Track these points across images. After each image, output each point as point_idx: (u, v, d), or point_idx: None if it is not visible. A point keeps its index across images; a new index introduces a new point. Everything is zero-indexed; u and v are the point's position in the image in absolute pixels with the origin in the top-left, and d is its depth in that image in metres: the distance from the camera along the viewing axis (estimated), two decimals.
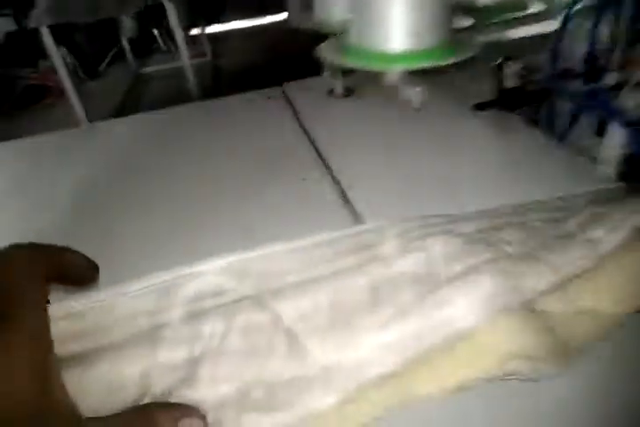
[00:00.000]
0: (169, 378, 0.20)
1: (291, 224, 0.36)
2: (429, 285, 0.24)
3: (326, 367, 0.22)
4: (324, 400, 0.21)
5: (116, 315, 0.21)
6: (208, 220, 0.40)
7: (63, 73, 1.67)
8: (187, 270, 0.23)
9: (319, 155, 0.47)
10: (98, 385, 0.20)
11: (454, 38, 0.36)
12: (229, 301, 0.23)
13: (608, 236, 0.26)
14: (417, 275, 0.25)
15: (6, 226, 0.44)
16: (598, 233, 0.27)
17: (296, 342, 0.22)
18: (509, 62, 0.50)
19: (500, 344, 0.23)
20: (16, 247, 0.20)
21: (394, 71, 0.36)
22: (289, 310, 0.23)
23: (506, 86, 0.50)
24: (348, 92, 0.58)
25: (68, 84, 1.69)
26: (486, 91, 0.52)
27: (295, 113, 0.56)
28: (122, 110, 2.11)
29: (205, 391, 0.21)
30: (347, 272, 0.25)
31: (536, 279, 0.25)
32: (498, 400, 0.25)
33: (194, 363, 0.21)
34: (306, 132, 0.52)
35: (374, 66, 0.34)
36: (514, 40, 0.64)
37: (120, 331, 0.21)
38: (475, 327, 0.23)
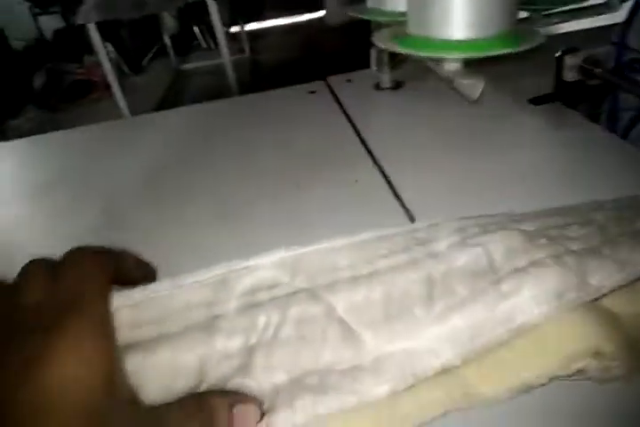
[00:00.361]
0: (225, 366, 0.20)
1: (343, 221, 0.35)
2: (489, 278, 0.23)
3: (379, 358, 0.22)
4: (375, 390, 0.21)
5: (174, 306, 0.21)
6: (259, 215, 0.39)
7: (108, 68, 1.71)
8: (242, 264, 0.23)
9: (368, 150, 0.46)
10: (157, 373, 0.20)
11: (517, 28, 0.35)
12: (283, 294, 0.23)
13: None
14: (475, 269, 0.24)
15: (54, 216, 0.45)
16: None
17: (349, 333, 0.22)
18: (570, 55, 0.47)
19: (566, 342, 0.22)
20: (80, 249, 0.21)
21: (453, 60, 0.34)
22: (342, 302, 0.23)
23: (565, 80, 0.48)
24: (397, 86, 0.56)
25: (112, 78, 1.73)
26: (545, 84, 0.49)
27: (341, 106, 0.55)
28: (163, 105, 2.15)
29: (260, 379, 0.20)
30: (401, 267, 0.24)
31: (602, 276, 0.23)
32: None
33: (249, 352, 0.21)
34: (353, 125, 0.50)
35: (433, 53, 0.32)
36: (574, 32, 0.61)
37: (178, 321, 0.21)
38: (538, 322, 0.22)
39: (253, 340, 0.21)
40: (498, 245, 0.24)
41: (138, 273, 0.23)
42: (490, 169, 0.41)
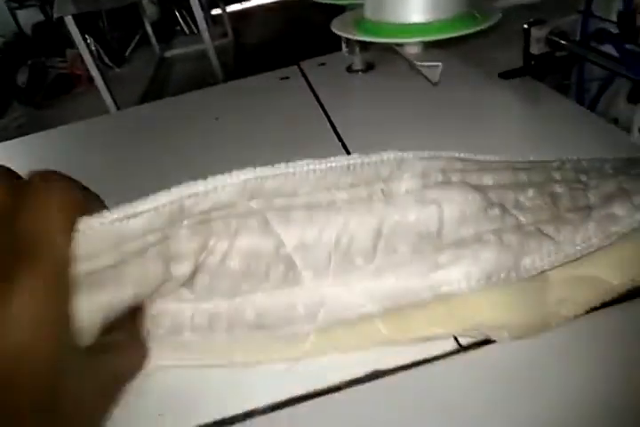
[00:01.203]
0: (169, 286, 0.22)
1: None
2: (433, 244, 0.24)
3: (312, 298, 0.24)
4: (304, 328, 0.24)
5: (129, 233, 0.21)
6: None
7: (90, 62, 1.69)
8: (200, 187, 0.22)
9: (337, 134, 0.46)
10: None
11: (474, 8, 0.35)
12: (235, 214, 0.23)
13: (631, 215, 0.25)
14: (423, 230, 0.25)
15: None
16: (620, 210, 0.25)
17: (292, 272, 0.24)
18: (536, 27, 0.47)
19: (477, 315, 0.24)
20: (53, 173, 0.19)
21: (411, 44, 0.35)
22: (294, 239, 0.24)
23: (533, 53, 0.48)
24: (368, 68, 0.56)
25: (95, 72, 1.71)
26: (513, 58, 0.49)
27: (313, 91, 0.55)
28: (148, 94, 2.13)
29: (202, 296, 0.23)
30: (358, 208, 0.24)
31: (539, 258, 0.24)
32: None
33: (193, 272, 0.23)
34: (324, 109, 0.51)
35: (391, 39, 0.33)
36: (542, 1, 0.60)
37: (132, 248, 0.21)
38: (462, 294, 0.24)
39: (201, 259, 0.22)
40: (452, 208, 0.25)
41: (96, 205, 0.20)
42: (460, 143, 0.42)
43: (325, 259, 0.24)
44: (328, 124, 0.48)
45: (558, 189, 0.28)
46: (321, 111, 0.51)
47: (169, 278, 0.22)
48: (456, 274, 0.23)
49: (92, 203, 0.20)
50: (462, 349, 0.25)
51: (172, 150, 0.50)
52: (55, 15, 1.62)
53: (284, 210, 0.24)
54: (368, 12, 0.34)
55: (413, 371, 0.24)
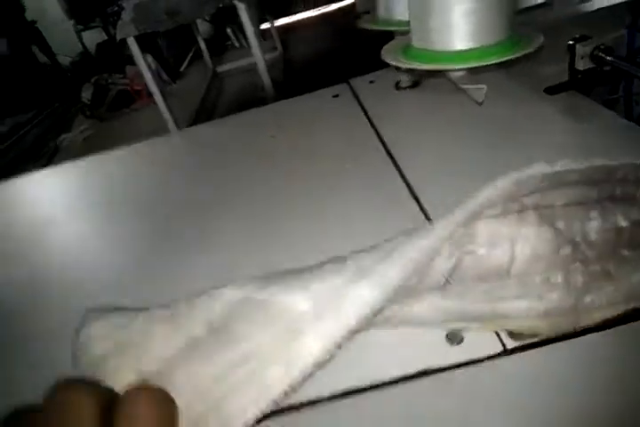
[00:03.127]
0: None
1: (363, 225, 0.38)
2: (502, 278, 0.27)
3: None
4: None
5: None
6: (286, 225, 0.43)
7: (149, 78, 1.80)
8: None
9: (387, 152, 0.49)
10: None
11: (516, 33, 0.37)
12: None
13: None
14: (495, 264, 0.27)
15: (105, 234, 0.51)
16: None
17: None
18: (581, 43, 0.48)
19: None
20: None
21: (455, 71, 0.37)
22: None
23: (578, 68, 0.49)
24: (415, 84, 0.59)
25: (154, 87, 1.81)
26: (559, 73, 0.50)
27: (362, 108, 0.58)
28: (202, 107, 2.23)
29: None
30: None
31: (598, 297, 0.26)
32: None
33: None
34: (373, 126, 0.54)
35: (436, 66, 0.35)
36: (590, 14, 0.61)
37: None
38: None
39: None
40: (525, 246, 0.27)
41: None
42: (508, 163, 0.43)
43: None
44: (377, 140, 0.51)
45: (622, 222, 0.29)
46: (370, 127, 0.53)
47: None
48: (515, 310, 0.26)
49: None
50: (508, 352, 0.27)
51: (233, 168, 0.55)
52: (118, 37, 1.73)
53: None
54: (414, 40, 0.37)
55: (462, 370, 0.26)
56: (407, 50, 0.38)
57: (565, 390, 0.25)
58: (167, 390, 0.22)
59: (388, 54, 0.39)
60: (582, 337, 0.26)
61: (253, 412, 0.22)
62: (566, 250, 0.27)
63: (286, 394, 0.22)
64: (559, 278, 0.26)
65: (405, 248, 0.26)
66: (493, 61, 0.34)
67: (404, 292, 0.27)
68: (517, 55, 0.34)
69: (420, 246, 0.25)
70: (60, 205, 0.59)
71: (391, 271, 0.24)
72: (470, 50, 0.34)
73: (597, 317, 0.26)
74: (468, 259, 0.27)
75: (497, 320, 0.27)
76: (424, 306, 0.27)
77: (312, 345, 0.22)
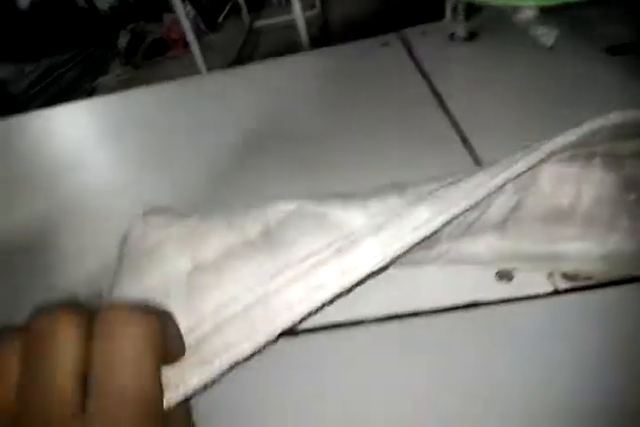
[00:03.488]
0: None
1: (415, 170, 0.38)
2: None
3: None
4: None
5: None
6: (343, 162, 0.43)
7: (187, 26, 1.77)
8: None
9: (441, 102, 0.48)
10: None
11: None
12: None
13: None
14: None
15: (133, 166, 0.51)
16: None
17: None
18: None
19: None
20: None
21: (528, 7, 0.36)
22: None
23: None
24: (471, 36, 0.57)
25: (191, 36, 1.79)
26: (625, 33, 0.48)
27: (414, 59, 0.56)
28: (237, 62, 2.20)
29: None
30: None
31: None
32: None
33: None
34: (426, 78, 0.52)
35: (509, 2, 0.34)
36: None
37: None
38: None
39: None
40: (589, 187, 0.27)
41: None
42: (562, 119, 0.42)
43: (461, 232, 0.27)
44: (430, 91, 0.50)
45: None
46: (422, 78, 0.52)
47: None
48: (575, 251, 0.26)
49: (168, 323, 0.21)
50: (559, 292, 0.27)
51: (269, 115, 0.54)
52: None
53: None
54: None
55: (510, 306, 0.27)
56: None
57: (614, 335, 0.25)
58: (166, 305, 0.22)
59: None
60: (638, 283, 0.26)
61: (301, 309, 0.21)
62: (632, 196, 0.27)
63: (338, 296, 0.22)
64: (624, 222, 0.26)
65: (469, 181, 0.25)
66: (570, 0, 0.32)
67: (461, 228, 0.27)
68: None
69: (485, 182, 0.25)
70: (115, 130, 0.60)
71: (453, 199, 0.24)
72: None
73: None
74: (531, 198, 0.27)
75: (554, 261, 0.27)
76: (480, 245, 0.27)
77: (369, 250, 0.22)
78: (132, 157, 0.53)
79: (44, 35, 2.17)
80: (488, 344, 0.26)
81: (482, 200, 0.25)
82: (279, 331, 0.21)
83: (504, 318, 0.27)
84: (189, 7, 2.26)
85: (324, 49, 0.67)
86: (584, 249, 0.26)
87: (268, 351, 0.21)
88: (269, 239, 0.25)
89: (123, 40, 2.35)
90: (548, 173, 0.27)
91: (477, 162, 0.39)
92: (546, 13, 0.38)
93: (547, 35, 0.36)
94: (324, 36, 2.47)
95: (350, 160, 0.43)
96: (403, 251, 0.23)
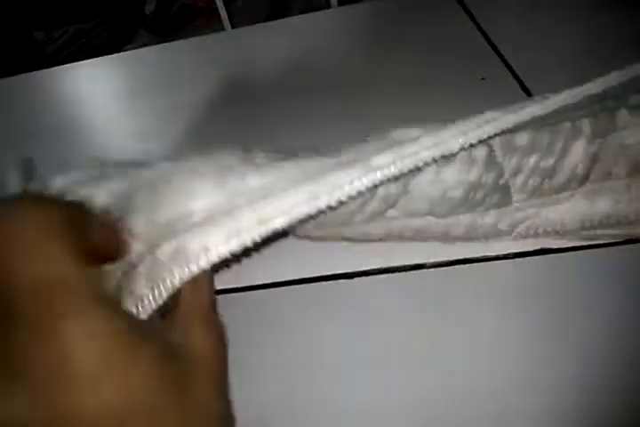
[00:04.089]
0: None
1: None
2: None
3: (517, 217, 0.25)
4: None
5: None
6: (388, 109, 0.41)
7: None
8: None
9: (491, 44, 0.44)
10: None
11: None
12: None
13: None
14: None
15: (151, 124, 0.49)
16: None
17: (506, 196, 0.25)
18: None
19: None
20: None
21: None
22: (512, 166, 0.25)
23: None
24: None
25: (220, 3, 1.74)
26: None
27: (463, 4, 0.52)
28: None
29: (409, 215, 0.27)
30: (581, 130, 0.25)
31: None
32: None
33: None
34: (473, 19, 0.49)
35: None
36: None
37: None
38: None
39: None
40: None
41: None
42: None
43: (538, 184, 0.25)
44: (480, 34, 0.46)
45: None
46: (473, 25, 0.49)
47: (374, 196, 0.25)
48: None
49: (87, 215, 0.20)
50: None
51: (312, 69, 0.51)
52: None
53: (510, 135, 0.25)
54: None
55: (581, 253, 0.24)
56: None
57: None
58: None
59: None
60: None
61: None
62: None
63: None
64: None
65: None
66: None
67: (535, 183, 0.25)
68: None
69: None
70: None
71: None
72: None
73: None
74: (611, 149, 0.24)
75: None
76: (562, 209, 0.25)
77: (383, 160, 0.21)
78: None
79: (69, 1, 2.15)
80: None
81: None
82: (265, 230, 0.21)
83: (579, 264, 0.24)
84: None
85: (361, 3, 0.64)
86: None
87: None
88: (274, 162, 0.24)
89: (150, 5, 2.31)
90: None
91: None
92: None
93: None
94: None
95: (396, 111, 0.40)
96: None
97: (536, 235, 0.25)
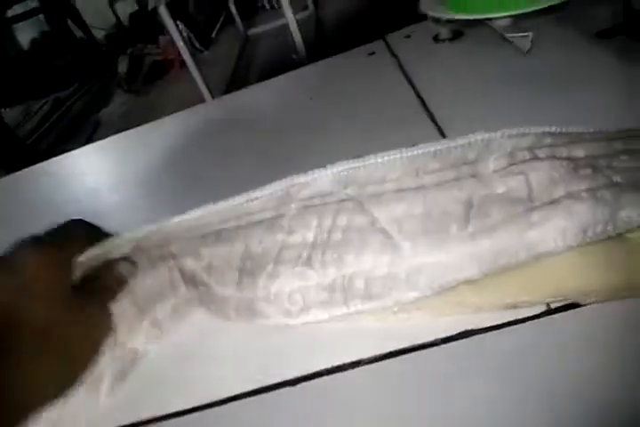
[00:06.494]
0: (287, 255, 0.27)
1: None
2: (524, 206, 0.25)
3: (412, 266, 0.26)
4: (407, 295, 0.26)
5: (250, 208, 0.28)
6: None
7: (182, 46, 1.79)
8: (302, 179, 0.28)
9: (426, 108, 0.47)
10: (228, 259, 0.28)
11: None
12: (334, 200, 0.27)
13: None
14: (514, 196, 0.26)
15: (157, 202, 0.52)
16: None
17: (390, 241, 0.26)
18: None
19: (568, 280, 0.25)
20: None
21: (499, 19, 0.35)
22: (385, 214, 0.27)
23: (635, 8, 0.45)
24: (456, 36, 0.56)
25: (187, 56, 1.81)
26: (614, 14, 0.47)
27: (400, 65, 0.56)
28: (236, 73, 2.21)
29: (318, 271, 0.27)
30: (446, 185, 0.27)
31: (633, 209, 0.24)
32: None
33: (308, 247, 0.27)
34: (411, 83, 0.52)
35: (481, 15, 0.33)
36: None
37: (246, 218, 0.28)
38: (559, 253, 0.24)
39: (310, 238, 0.27)
40: (540, 175, 0.26)
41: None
42: (553, 112, 0.41)
43: (420, 229, 0.26)
44: (417, 98, 0.49)
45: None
46: (409, 85, 0.51)
47: (285, 247, 0.26)
48: (551, 232, 0.24)
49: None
50: (551, 311, 0.26)
51: (273, 134, 0.54)
52: (150, 6, 1.72)
53: (375, 195, 0.27)
54: None
55: (503, 331, 0.26)
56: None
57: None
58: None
59: (427, 4, 0.36)
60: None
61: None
62: (587, 171, 0.26)
63: None
64: (584, 194, 0.24)
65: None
66: (540, 6, 0.31)
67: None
68: None
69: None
70: (106, 178, 0.61)
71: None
72: None
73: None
74: (488, 202, 0.26)
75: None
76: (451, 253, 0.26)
77: None
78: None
79: (48, 71, 2.22)
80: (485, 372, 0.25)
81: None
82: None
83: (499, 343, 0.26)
84: (182, 26, 2.28)
85: (311, 66, 0.67)
86: (559, 226, 0.24)
87: None
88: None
89: (122, 65, 2.38)
90: (495, 173, 0.26)
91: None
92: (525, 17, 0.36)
93: (521, 41, 0.35)
94: (321, 37, 2.46)
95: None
96: None
97: (440, 286, 0.26)
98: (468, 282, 0.26)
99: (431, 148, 0.27)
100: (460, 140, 0.27)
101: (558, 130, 0.27)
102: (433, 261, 0.25)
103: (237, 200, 0.28)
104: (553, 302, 0.26)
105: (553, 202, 0.25)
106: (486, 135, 0.27)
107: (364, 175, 0.27)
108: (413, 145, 0.41)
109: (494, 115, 0.44)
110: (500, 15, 0.33)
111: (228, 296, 0.28)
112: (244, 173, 0.49)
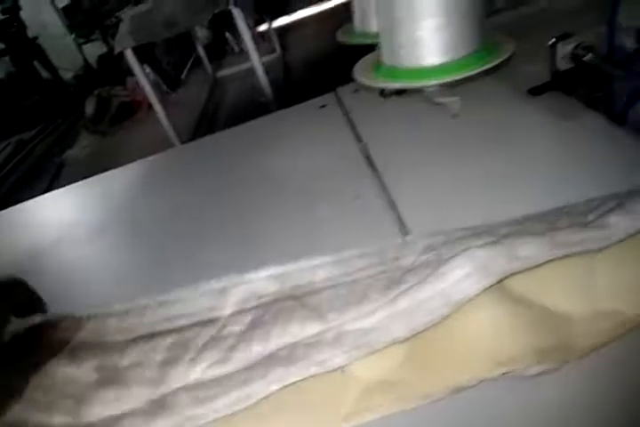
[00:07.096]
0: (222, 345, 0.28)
1: (339, 236, 0.39)
2: (434, 266, 0.28)
3: (339, 333, 0.27)
4: (334, 360, 0.26)
5: (185, 309, 0.30)
6: (266, 228, 0.44)
7: (149, 90, 1.81)
8: (239, 279, 0.30)
9: (370, 162, 0.49)
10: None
11: (488, 41, 0.36)
12: (271, 300, 0.29)
13: (622, 221, 0.26)
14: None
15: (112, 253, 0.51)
16: (612, 219, 0.27)
17: (317, 314, 0.28)
18: (562, 42, 0.48)
19: (496, 348, 0.25)
20: None
21: (427, 87, 0.37)
22: (314, 299, 0.29)
23: (559, 68, 0.48)
24: (400, 91, 0.59)
25: (153, 99, 1.83)
26: (544, 72, 0.50)
27: (348, 119, 0.58)
28: (204, 115, 2.24)
29: (239, 356, 0.28)
30: (374, 276, 0.30)
31: (534, 249, 0.26)
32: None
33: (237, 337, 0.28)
34: (357, 137, 0.54)
35: (407, 84, 0.35)
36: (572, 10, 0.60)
37: (186, 321, 0.29)
38: (473, 296, 0.26)
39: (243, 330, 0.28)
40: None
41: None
42: (489, 170, 0.43)
43: (344, 303, 0.28)
44: (359, 151, 0.51)
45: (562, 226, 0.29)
46: (354, 139, 0.54)
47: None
48: (458, 277, 0.26)
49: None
50: None
51: (232, 183, 0.55)
52: (116, 50, 1.75)
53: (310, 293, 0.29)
54: (384, 56, 0.37)
55: None
56: (379, 67, 0.37)
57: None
58: None
59: (360, 71, 0.39)
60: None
61: None
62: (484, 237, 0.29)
63: None
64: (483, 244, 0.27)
65: None
66: (465, 75, 0.34)
67: None
68: (490, 66, 0.34)
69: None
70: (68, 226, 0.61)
71: None
72: (441, 64, 0.34)
73: None
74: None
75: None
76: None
77: None
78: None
79: (12, 111, 2.20)
80: None
81: None
82: None
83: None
84: (149, 69, 2.31)
85: (266, 118, 0.70)
86: (464, 274, 0.26)
87: None
88: None
89: (89, 106, 2.39)
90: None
91: (403, 230, 0.40)
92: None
93: (451, 104, 0.37)
94: (289, 78, 2.53)
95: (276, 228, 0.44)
96: None
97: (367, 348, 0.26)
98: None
99: (356, 253, 0.31)
100: (385, 245, 0.32)
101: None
102: (357, 328, 0.27)
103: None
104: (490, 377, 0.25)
105: (455, 255, 0.27)
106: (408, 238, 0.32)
107: (297, 277, 0.30)
108: (355, 198, 0.42)
109: (431, 166, 0.46)
110: (429, 83, 0.35)
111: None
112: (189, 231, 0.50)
